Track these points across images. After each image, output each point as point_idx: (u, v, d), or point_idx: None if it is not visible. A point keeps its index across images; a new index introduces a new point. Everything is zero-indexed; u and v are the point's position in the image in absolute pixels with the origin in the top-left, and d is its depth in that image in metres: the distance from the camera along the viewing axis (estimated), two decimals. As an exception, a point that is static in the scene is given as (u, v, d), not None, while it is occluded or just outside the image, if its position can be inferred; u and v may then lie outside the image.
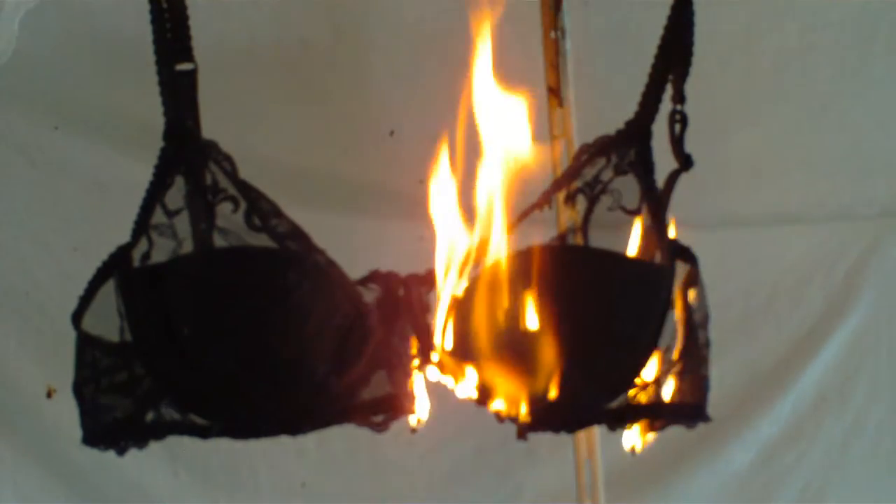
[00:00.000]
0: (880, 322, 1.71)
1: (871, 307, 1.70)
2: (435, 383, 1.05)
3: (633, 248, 1.12)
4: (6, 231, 1.45)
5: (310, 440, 1.52)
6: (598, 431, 1.50)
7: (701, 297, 1.13)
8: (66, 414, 1.06)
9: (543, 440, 1.12)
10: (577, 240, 1.17)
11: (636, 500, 1.63)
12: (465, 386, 1.03)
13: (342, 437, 1.09)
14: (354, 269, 1.06)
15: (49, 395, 1.45)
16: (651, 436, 1.13)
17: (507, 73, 1.10)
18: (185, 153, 1.04)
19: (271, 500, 1.56)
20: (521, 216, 1.14)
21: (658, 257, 1.10)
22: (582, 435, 1.52)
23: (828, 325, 1.69)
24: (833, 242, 1.70)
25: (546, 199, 1.17)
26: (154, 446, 1.05)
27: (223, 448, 1.39)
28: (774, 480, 1.69)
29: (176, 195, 1.03)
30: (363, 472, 1.58)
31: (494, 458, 1.62)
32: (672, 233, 1.12)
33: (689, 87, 1.15)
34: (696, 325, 1.11)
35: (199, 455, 1.53)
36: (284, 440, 1.05)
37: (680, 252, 1.12)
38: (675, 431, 1.15)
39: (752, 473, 1.68)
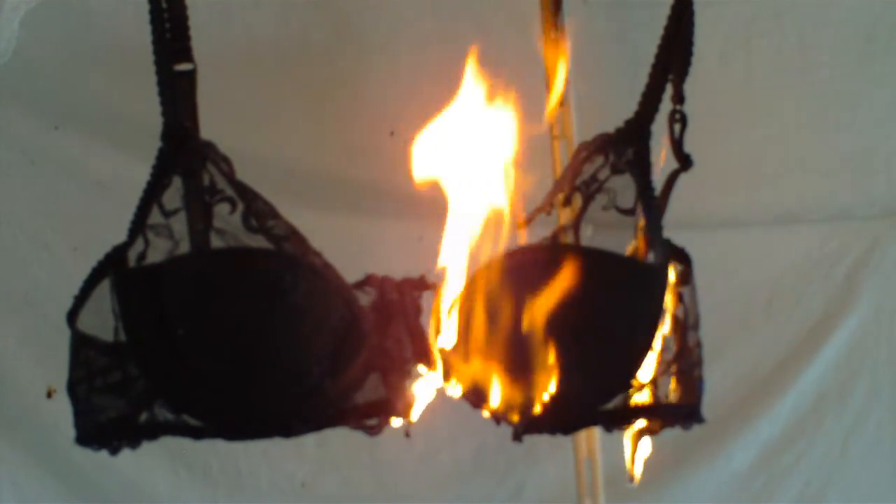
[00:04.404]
0: (880, 322, 1.70)
1: (871, 307, 1.70)
2: (430, 386, 1.05)
3: (627, 248, 1.12)
4: (6, 231, 1.45)
5: (309, 440, 1.52)
6: (598, 432, 1.50)
7: (693, 298, 1.13)
8: (66, 414, 1.06)
9: (543, 440, 1.12)
10: (569, 238, 1.16)
11: (636, 500, 1.63)
12: (460, 388, 1.03)
13: (342, 437, 1.09)
14: (354, 269, 1.06)
15: (49, 395, 1.45)
16: (647, 445, 1.13)
17: (506, 73, 1.09)
18: (183, 153, 1.03)
19: (271, 500, 1.56)
20: (525, 221, 1.14)
21: (652, 257, 1.10)
22: (582, 435, 1.52)
23: (828, 325, 1.69)
24: (833, 242, 1.70)
25: (550, 202, 1.17)
26: (154, 446, 1.05)
27: (223, 448, 1.40)
28: (774, 480, 1.69)
29: (173, 195, 1.03)
30: (363, 472, 1.58)
31: (494, 458, 1.63)
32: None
33: (689, 87, 1.15)
34: (688, 327, 1.11)
35: (199, 455, 1.53)
36: (284, 440, 1.05)
37: (674, 252, 1.12)
38: (675, 431, 1.15)
39: (752, 473, 1.68)
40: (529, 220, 1.16)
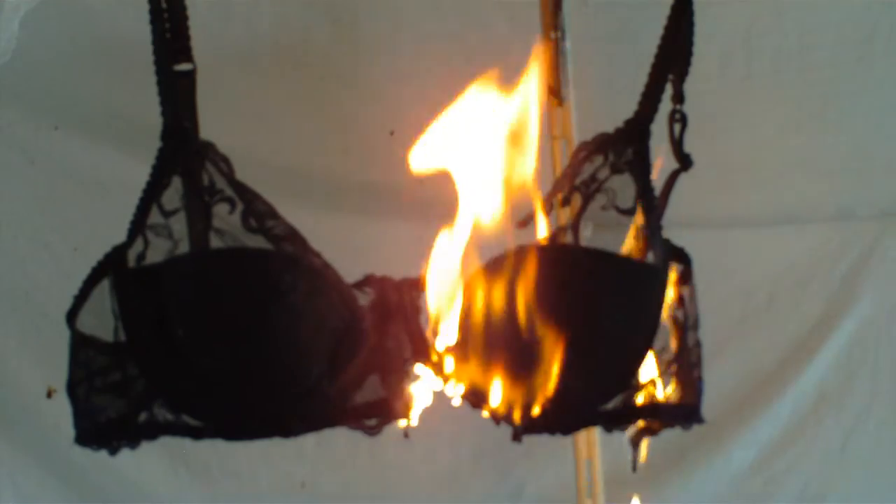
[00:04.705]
0: (880, 322, 1.70)
1: (871, 307, 1.70)
2: (430, 386, 1.05)
3: (625, 248, 1.12)
4: (6, 231, 1.45)
5: (309, 440, 1.52)
6: (598, 432, 1.50)
7: (693, 298, 1.13)
8: (66, 414, 1.06)
9: (543, 440, 1.12)
10: (569, 238, 1.16)
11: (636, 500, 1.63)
12: (459, 389, 1.03)
13: (342, 438, 1.09)
14: (354, 269, 1.06)
15: (49, 395, 1.45)
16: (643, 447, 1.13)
17: (507, 73, 1.09)
18: (183, 154, 1.03)
19: (271, 500, 1.56)
20: (523, 222, 1.14)
21: (651, 257, 1.10)
22: (582, 435, 1.52)
23: (828, 325, 1.69)
24: (833, 242, 1.70)
25: (549, 203, 1.17)
26: (154, 446, 1.05)
27: (223, 448, 1.39)
28: (774, 480, 1.69)
29: (173, 195, 1.03)
30: (363, 472, 1.58)
31: (494, 458, 1.63)
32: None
33: (689, 87, 1.15)
34: (688, 327, 1.11)
35: (199, 455, 1.53)
36: (284, 440, 1.05)
37: (674, 252, 1.12)
38: (675, 431, 1.15)
39: (752, 473, 1.69)
40: (529, 221, 1.16)
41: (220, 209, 1.03)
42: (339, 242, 1.05)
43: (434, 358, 1.03)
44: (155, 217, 1.03)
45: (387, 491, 1.60)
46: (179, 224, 1.04)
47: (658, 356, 1.10)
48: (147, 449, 1.05)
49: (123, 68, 1.29)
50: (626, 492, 1.58)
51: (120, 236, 1.03)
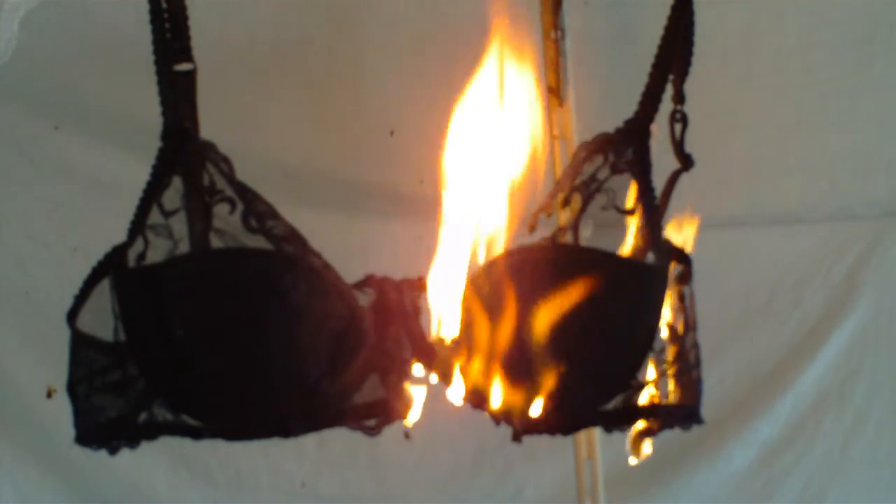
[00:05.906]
0: (880, 322, 1.70)
1: (871, 307, 1.70)
2: (430, 386, 1.05)
3: (626, 248, 1.12)
4: (6, 231, 1.45)
5: (309, 440, 1.53)
6: (598, 432, 1.50)
7: (692, 299, 1.13)
8: (66, 414, 1.07)
9: (543, 440, 1.12)
10: (568, 238, 1.16)
11: (636, 500, 1.63)
12: (459, 389, 1.03)
13: (342, 438, 1.09)
14: (354, 269, 1.06)
15: (49, 395, 1.45)
16: (648, 444, 1.13)
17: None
18: (183, 153, 1.03)
19: (271, 500, 1.56)
20: (529, 225, 1.14)
21: (651, 257, 1.10)
22: (582, 435, 1.52)
23: (828, 325, 1.69)
24: (833, 242, 1.70)
25: (549, 203, 1.18)
26: (154, 446, 1.05)
27: (223, 448, 1.40)
28: (774, 480, 1.69)
29: (173, 195, 1.03)
30: (363, 472, 1.58)
31: (494, 458, 1.63)
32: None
33: (689, 87, 1.15)
34: (687, 328, 1.11)
35: (199, 455, 1.53)
36: (284, 440, 1.05)
37: (674, 253, 1.12)
38: (675, 431, 1.15)
39: (752, 473, 1.68)
40: (534, 223, 1.16)
41: (221, 209, 1.03)
42: (339, 242, 1.05)
43: (434, 358, 1.03)
44: (155, 217, 1.03)
45: (387, 491, 1.60)
46: (179, 224, 1.04)
47: (657, 357, 1.10)
48: (147, 449, 1.05)
49: (123, 68, 1.29)
50: (626, 492, 1.58)
51: (120, 236, 1.03)
